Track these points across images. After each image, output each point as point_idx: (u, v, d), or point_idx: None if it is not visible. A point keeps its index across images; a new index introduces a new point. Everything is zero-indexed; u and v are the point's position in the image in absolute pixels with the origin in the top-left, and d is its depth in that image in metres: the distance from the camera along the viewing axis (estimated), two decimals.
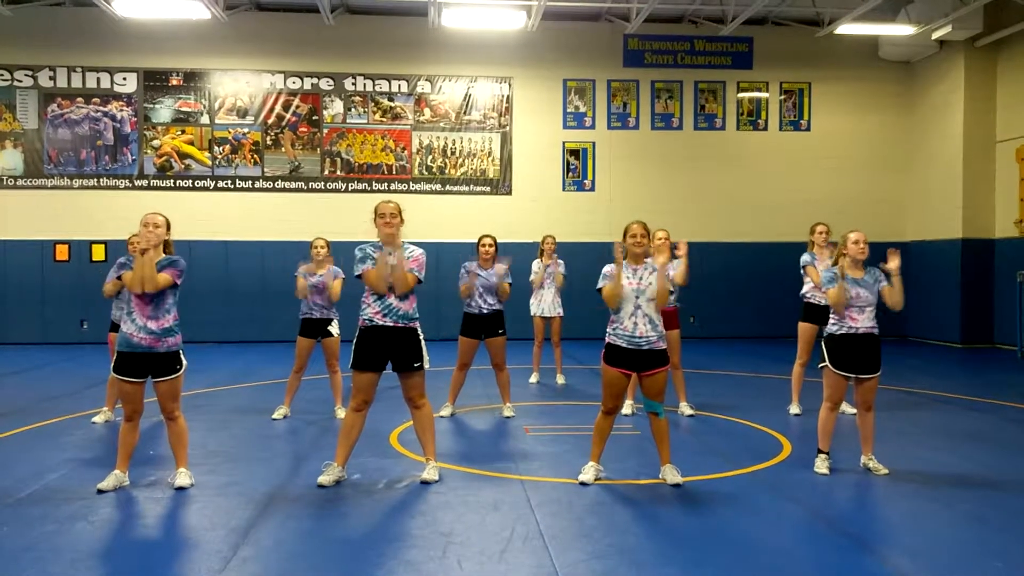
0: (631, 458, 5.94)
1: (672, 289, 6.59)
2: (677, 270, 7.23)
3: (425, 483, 5.23)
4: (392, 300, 5.14)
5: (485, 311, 7.39)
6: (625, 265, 5.22)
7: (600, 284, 5.25)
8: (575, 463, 5.58)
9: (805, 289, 7.72)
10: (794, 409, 7.72)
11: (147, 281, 4.87)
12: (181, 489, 5.06)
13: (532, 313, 9.59)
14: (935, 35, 13.59)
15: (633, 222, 5.31)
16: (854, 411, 7.55)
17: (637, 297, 5.14)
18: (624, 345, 5.14)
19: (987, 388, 9.72)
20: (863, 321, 5.46)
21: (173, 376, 5.05)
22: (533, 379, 9.66)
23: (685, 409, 7.61)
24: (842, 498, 5.10)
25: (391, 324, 5.14)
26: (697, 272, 14.83)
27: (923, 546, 4.21)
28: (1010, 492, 5.17)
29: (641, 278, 5.17)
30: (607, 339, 5.24)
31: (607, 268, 5.25)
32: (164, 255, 5.09)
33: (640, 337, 5.11)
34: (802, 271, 7.69)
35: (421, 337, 5.28)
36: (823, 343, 5.64)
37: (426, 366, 5.28)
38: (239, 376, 10.22)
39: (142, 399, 5.09)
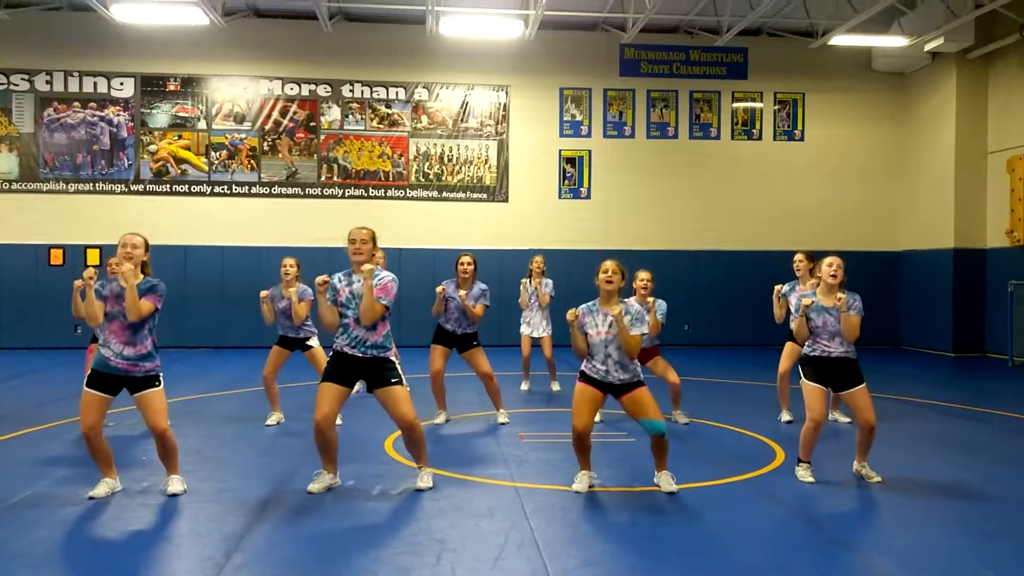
0: (625, 465, 5.95)
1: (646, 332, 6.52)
2: (648, 323, 7.21)
3: (419, 490, 5.23)
4: (359, 332, 5.05)
5: (460, 334, 7.39)
6: (595, 309, 5.15)
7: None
8: (569, 470, 5.59)
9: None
10: (785, 416, 7.76)
11: (130, 310, 4.77)
12: (174, 495, 5.05)
13: (521, 332, 9.58)
14: (927, 47, 13.70)
15: (607, 260, 5.20)
16: (847, 420, 7.62)
17: (607, 347, 5.09)
18: (598, 378, 5.16)
19: (978, 397, 9.77)
20: (836, 347, 5.42)
21: (152, 389, 4.93)
22: (524, 387, 9.65)
23: (679, 418, 7.63)
24: (834, 505, 5.12)
25: (360, 356, 5.07)
26: (691, 280, 15.03)
27: (915, 554, 4.23)
28: (1001, 500, 5.20)
29: (611, 326, 5.07)
30: (582, 367, 5.24)
31: (569, 315, 5.15)
32: (143, 276, 4.99)
33: (612, 377, 5.12)
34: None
35: (397, 362, 5.19)
36: (799, 362, 5.64)
37: (403, 384, 5.16)
38: (233, 382, 10.21)
39: (103, 415, 4.98)
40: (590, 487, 5.28)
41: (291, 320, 7.28)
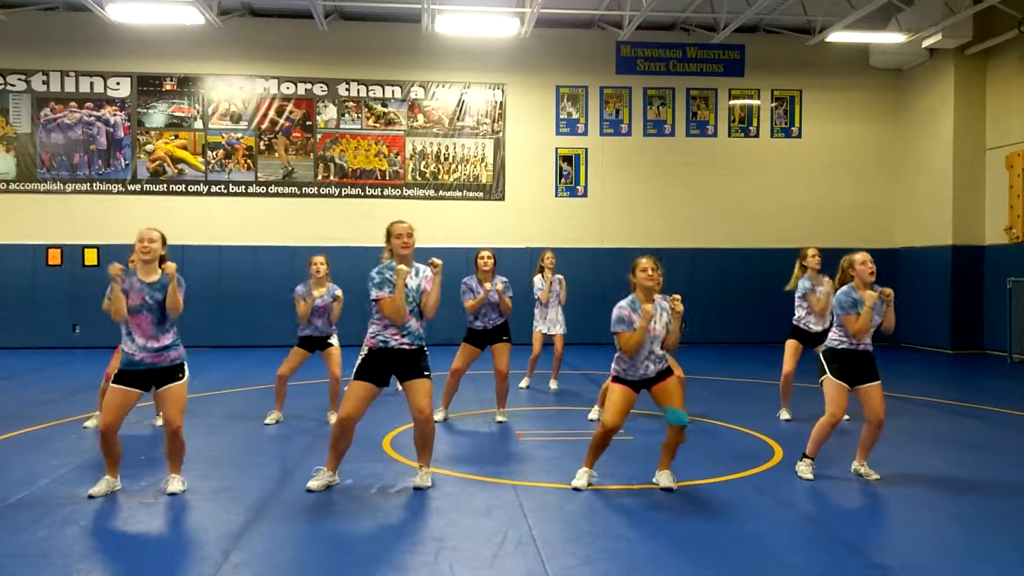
0: (624, 463, 5.95)
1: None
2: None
3: (418, 489, 5.23)
4: (411, 322, 5.14)
5: (490, 327, 7.43)
6: (637, 306, 5.06)
7: (615, 329, 5.05)
8: (568, 468, 5.59)
9: (799, 315, 7.67)
10: (784, 415, 7.76)
11: (175, 308, 4.92)
12: (173, 494, 5.05)
13: (536, 329, 9.57)
14: (925, 43, 13.70)
15: (643, 257, 5.15)
16: (847, 418, 7.62)
17: (652, 343, 5.09)
18: (635, 379, 5.15)
19: (977, 393, 9.78)
20: (866, 339, 5.51)
21: (177, 382, 5.00)
22: (523, 384, 9.65)
23: None
24: (833, 502, 5.13)
25: (407, 347, 5.14)
26: (688, 278, 15.02)
27: (914, 550, 4.24)
28: (999, 496, 5.21)
29: (655, 323, 5.07)
30: (615, 373, 5.20)
31: (623, 312, 5.04)
32: (161, 272, 5.05)
33: (650, 372, 5.13)
34: (800, 299, 7.62)
35: (427, 354, 5.32)
36: (822, 355, 5.62)
37: (431, 378, 5.28)
38: (232, 381, 10.20)
39: (126, 414, 5.00)
40: (589, 484, 5.27)
41: (323, 319, 7.32)
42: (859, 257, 5.53)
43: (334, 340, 7.49)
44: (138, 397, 5.01)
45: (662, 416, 5.23)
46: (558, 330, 9.52)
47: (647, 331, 5.01)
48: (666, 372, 5.19)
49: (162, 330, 4.97)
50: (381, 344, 5.13)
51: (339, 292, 7.42)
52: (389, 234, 5.25)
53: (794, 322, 7.71)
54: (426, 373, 5.21)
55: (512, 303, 7.44)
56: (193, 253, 14.02)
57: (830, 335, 5.63)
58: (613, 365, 5.23)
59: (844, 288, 5.53)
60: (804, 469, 5.58)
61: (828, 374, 5.50)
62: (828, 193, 15.50)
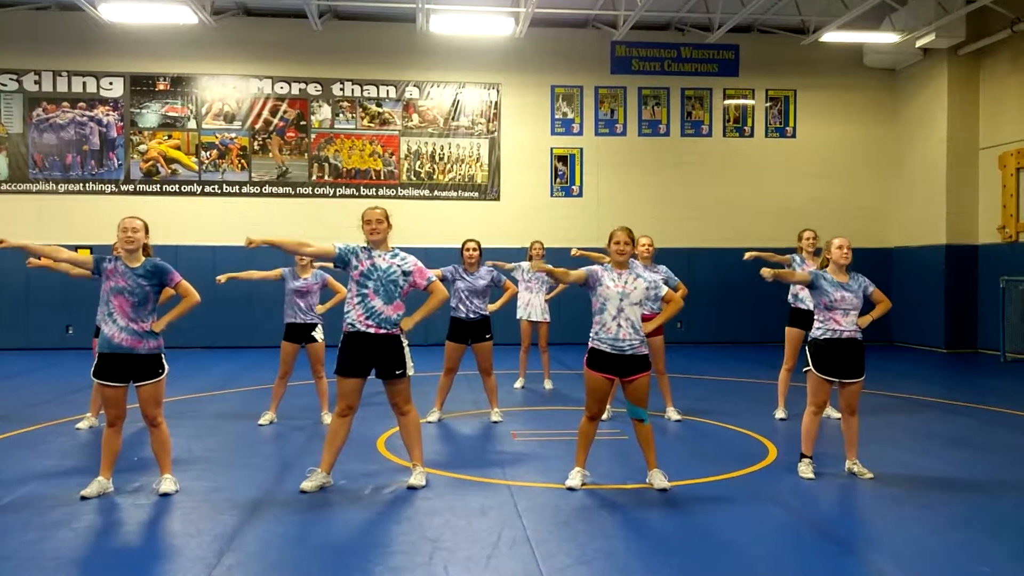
0: (618, 463, 5.95)
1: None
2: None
3: (412, 488, 5.22)
4: (376, 303, 5.13)
5: (472, 316, 7.40)
6: (609, 268, 5.26)
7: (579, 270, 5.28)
8: (562, 468, 5.58)
9: (793, 291, 7.79)
10: (780, 414, 7.76)
11: (189, 309, 5.14)
12: (166, 495, 5.03)
13: (519, 317, 9.59)
14: (919, 43, 13.73)
15: (618, 228, 5.35)
16: (839, 416, 7.63)
17: (621, 300, 5.16)
18: (607, 350, 5.16)
19: (970, 392, 9.80)
20: (847, 325, 5.52)
21: (154, 380, 5.02)
22: (518, 384, 9.65)
23: (672, 414, 7.63)
24: (827, 502, 5.13)
25: (374, 331, 5.12)
26: (684, 278, 14.91)
27: (908, 550, 4.23)
28: (994, 496, 5.21)
29: (626, 282, 5.18)
30: (590, 343, 5.27)
31: (595, 267, 5.31)
32: (144, 258, 5.12)
33: (623, 340, 5.13)
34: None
35: (405, 344, 5.29)
36: (807, 348, 5.68)
37: (410, 372, 5.29)
38: (226, 381, 10.17)
39: (125, 403, 5.06)
40: (583, 484, 5.27)
41: (303, 300, 7.33)
42: (836, 242, 5.69)
43: (318, 334, 7.42)
44: (126, 389, 5.00)
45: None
46: (542, 317, 9.52)
47: (615, 285, 5.16)
48: (643, 366, 5.19)
49: (142, 314, 4.98)
50: (350, 327, 5.15)
51: (328, 276, 7.41)
52: (362, 220, 5.26)
53: (791, 303, 7.78)
54: (398, 373, 5.21)
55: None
56: (186, 253, 13.95)
57: (813, 323, 5.70)
58: (590, 334, 5.26)
59: (821, 271, 5.70)
60: (805, 469, 5.59)
61: (811, 368, 5.55)
62: (822, 193, 15.52)
